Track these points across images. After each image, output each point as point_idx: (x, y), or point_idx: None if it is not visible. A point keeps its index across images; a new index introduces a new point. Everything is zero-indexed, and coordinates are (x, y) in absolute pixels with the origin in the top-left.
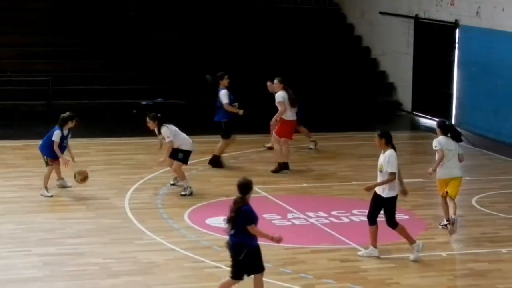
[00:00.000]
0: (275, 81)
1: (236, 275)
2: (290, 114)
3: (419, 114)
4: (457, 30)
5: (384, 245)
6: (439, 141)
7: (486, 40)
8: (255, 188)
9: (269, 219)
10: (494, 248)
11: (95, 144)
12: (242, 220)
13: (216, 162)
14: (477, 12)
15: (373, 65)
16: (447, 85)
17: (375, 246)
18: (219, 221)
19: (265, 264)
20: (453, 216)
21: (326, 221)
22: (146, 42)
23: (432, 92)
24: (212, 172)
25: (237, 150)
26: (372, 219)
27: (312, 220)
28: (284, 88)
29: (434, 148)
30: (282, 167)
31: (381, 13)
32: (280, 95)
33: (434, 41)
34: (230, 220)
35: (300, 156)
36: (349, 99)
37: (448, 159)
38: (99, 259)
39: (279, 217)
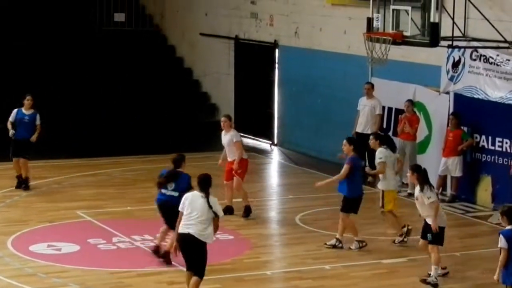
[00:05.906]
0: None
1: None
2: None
3: (242, 134)
4: (277, 50)
5: (210, 266)
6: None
7: (305, 60)
8: (79, 212)
9: (94, 244)
10: (317, 265)
11: None
12: None
13: None
14: (296, 32)
15: (195, 86)
16: (269, 104)
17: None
18: (43, 247)
19: None
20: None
21: (152, 243)
22: None
23: (254, 112)
24: (35, 198)
25: (60, 174)
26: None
27: (137, 244)
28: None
29: (379, 160)
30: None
31: (201, 34)
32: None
33: (254, 61)
34: None
35: (123, 179)
36: (171, 120)
37: (392, 170)
38: None
39: (104, 241)
